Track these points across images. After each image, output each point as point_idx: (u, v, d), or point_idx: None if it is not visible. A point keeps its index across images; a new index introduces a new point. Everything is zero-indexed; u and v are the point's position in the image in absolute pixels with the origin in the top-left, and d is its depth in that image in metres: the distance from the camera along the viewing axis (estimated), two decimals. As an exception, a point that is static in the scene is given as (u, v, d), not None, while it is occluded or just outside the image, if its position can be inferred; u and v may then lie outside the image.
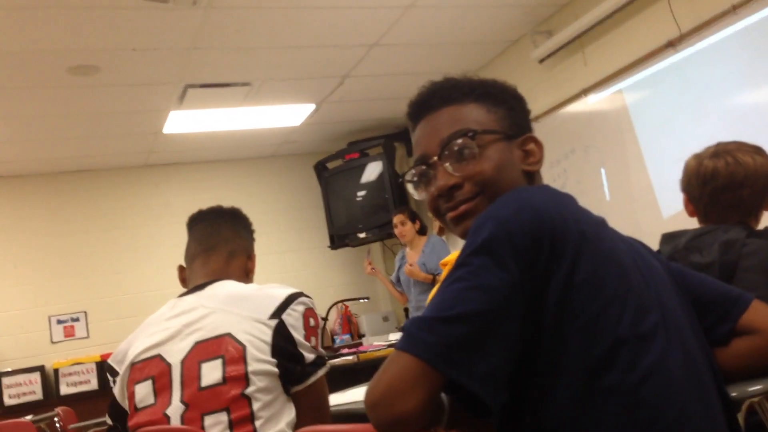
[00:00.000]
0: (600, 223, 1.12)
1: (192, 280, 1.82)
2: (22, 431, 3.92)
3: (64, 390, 5.57)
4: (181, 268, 1.89)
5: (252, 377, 1.55)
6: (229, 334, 1.59)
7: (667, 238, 1.90)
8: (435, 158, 1.21)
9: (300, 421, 1.59)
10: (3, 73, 4.02)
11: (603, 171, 4.27)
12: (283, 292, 1.66)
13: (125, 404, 1.70)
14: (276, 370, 1.57)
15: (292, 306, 1.63)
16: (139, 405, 1.65)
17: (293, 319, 1.61)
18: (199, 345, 1.61)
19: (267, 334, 1.58)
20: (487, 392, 0.96)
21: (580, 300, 1.00)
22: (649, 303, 1.05)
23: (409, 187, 1.28)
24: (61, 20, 3.53)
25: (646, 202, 3.94)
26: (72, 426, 4.06)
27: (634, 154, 4.02)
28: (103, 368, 5.64)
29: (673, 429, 0.98)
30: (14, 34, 3.59)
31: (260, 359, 1.56)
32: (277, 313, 1.61)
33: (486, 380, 0.96)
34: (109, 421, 1.78)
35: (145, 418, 1.63)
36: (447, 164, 1.20)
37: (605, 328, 1.00)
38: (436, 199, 1.22)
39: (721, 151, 1.87)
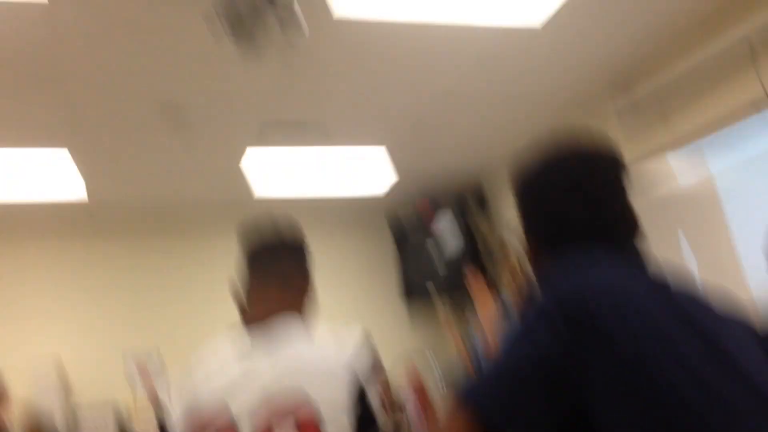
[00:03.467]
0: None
1: (250, 307, 1.78)
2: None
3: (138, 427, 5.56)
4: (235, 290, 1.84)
5: None
6: (301, 389, 1.48)
7: None
8: None
9: None
10: (95, 108, 4.22)
11: (681, 233, 4.13)
12: (351, 341, 1.59)
13: None
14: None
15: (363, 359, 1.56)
16: None
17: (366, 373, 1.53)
18: (267, 399, 1.49)
19: (342, 390, 1.48)
20: None
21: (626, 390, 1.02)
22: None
23: None
24: (153, 62, 3.71)
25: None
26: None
27: (723, 236, 3.85)
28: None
29: None
30: (109, 71, 3.78)
31: (335, 420, 1.46)
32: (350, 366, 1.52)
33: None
34: None
35: None
36: None
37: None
38: None
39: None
